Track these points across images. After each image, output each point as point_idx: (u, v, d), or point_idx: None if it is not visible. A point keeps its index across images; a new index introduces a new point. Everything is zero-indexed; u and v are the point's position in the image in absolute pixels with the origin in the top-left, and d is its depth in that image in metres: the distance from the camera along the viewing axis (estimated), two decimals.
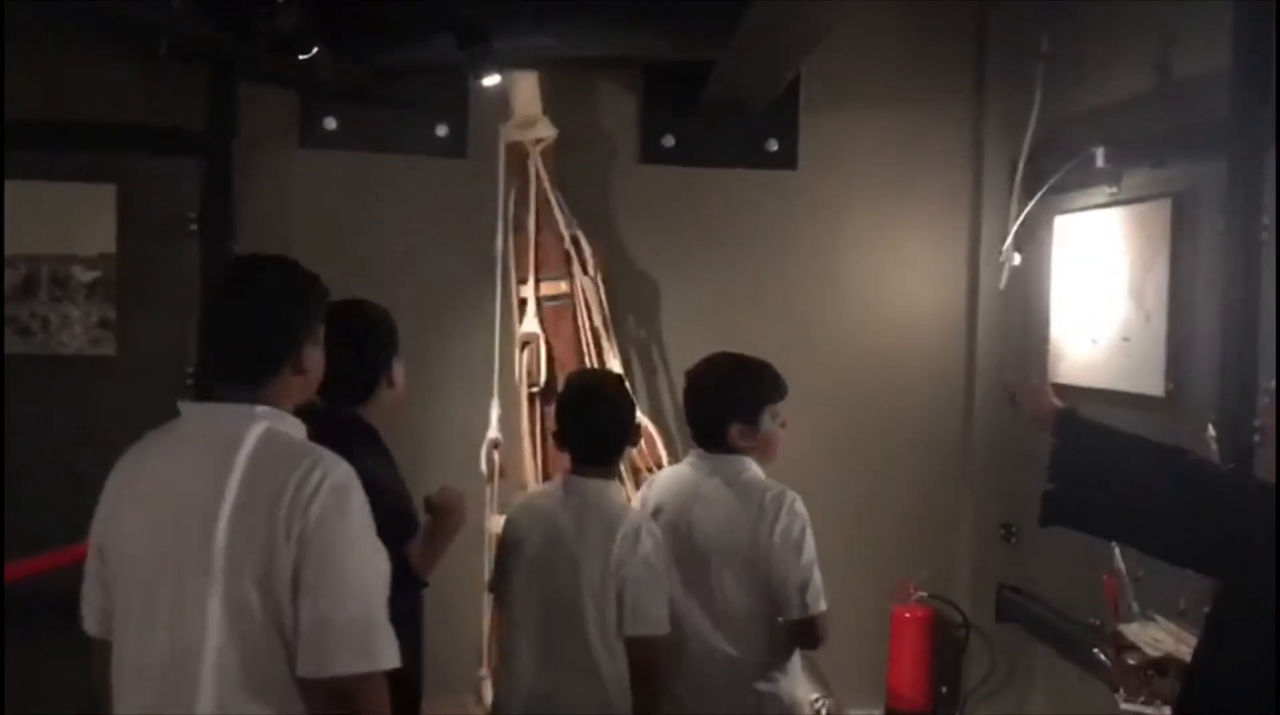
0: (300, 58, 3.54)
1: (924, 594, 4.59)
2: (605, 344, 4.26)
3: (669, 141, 4.64)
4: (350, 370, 2.59)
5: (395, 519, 2.54)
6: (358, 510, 1.86)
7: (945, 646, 4.64)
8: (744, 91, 4.31)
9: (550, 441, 3.61)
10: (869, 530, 4.65)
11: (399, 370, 2.67)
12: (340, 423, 2.56)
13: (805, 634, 2.80)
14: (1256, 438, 3.08)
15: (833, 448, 4.59)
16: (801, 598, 2.75)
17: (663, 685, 2.73)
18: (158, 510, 1.90)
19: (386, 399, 2.66)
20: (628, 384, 4.16)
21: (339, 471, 1.87)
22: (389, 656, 1.84)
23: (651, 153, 4.64)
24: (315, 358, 2.03)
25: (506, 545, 2.84)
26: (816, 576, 2.78)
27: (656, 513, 2.91)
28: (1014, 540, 4.59)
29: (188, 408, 1.99)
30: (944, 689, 4.61)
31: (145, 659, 1.89)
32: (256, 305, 1.97)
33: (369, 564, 1.86)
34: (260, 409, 1.93)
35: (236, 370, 1.96)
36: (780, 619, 2.77)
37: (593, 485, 2.77)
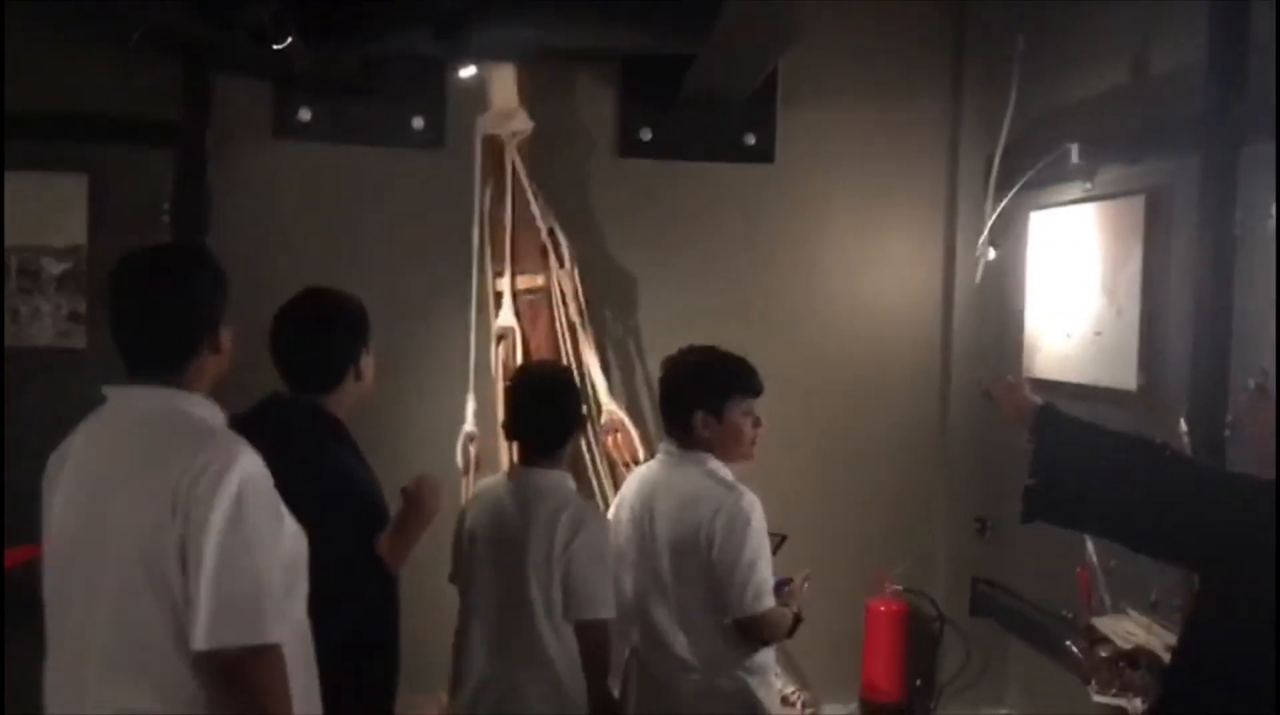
0: (275, 48, 3.51)
1: (899, 587, 4.61)
2: (582, 338, 4.25)
3: (647, 135, 4.63)
4: (316, 359, 2.57)
5: (366, 510, 2.54)
6: (251, 486, 1.87)
7: (920, 640, 4.66)
8: (722, 85, 4.31)
9: None
10: (845, 524, 4.67)
11: (368, 363, 2.63)
12: (304, 412, 2.54)
13: (749, 633, 2.81)
14: (1228, 432, 3.12)
15: (809, 441, 4.60)
16: (742, 596, 2.75)
17: (610, 667, 2.78)
18: (73, 494, 1.94)
19: (354, 391, 2.61)
20: (600, 373, 4.21)
21: (233, 449, 1.89)
22: (275, 632, 1.86)
23: (629, 146, 4.63)
24: (228, 335, 2.07)
25: (460, 536, 2.90)
26: (759, 576, 2.78)
27: (628, 507, 2.93)
28: (988, 534, 4.62)
29: (111, 392, 2.01)
30: (918, 682, 4.64)
31: (62, 638, 1.93)
32: (172, 294, 1.99)
33: (260, 539, 1.87)
34: (177, 393, 1.97)
35: (156, 356, 1.99)
36: (726, 618, 2.79)
37: (538, 474, 2.83)
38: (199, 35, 3.94)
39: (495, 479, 3.00)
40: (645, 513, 2.88)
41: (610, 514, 3.04)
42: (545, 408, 2.86)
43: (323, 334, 2.58)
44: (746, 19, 3.51)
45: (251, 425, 2.08)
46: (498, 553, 2.78)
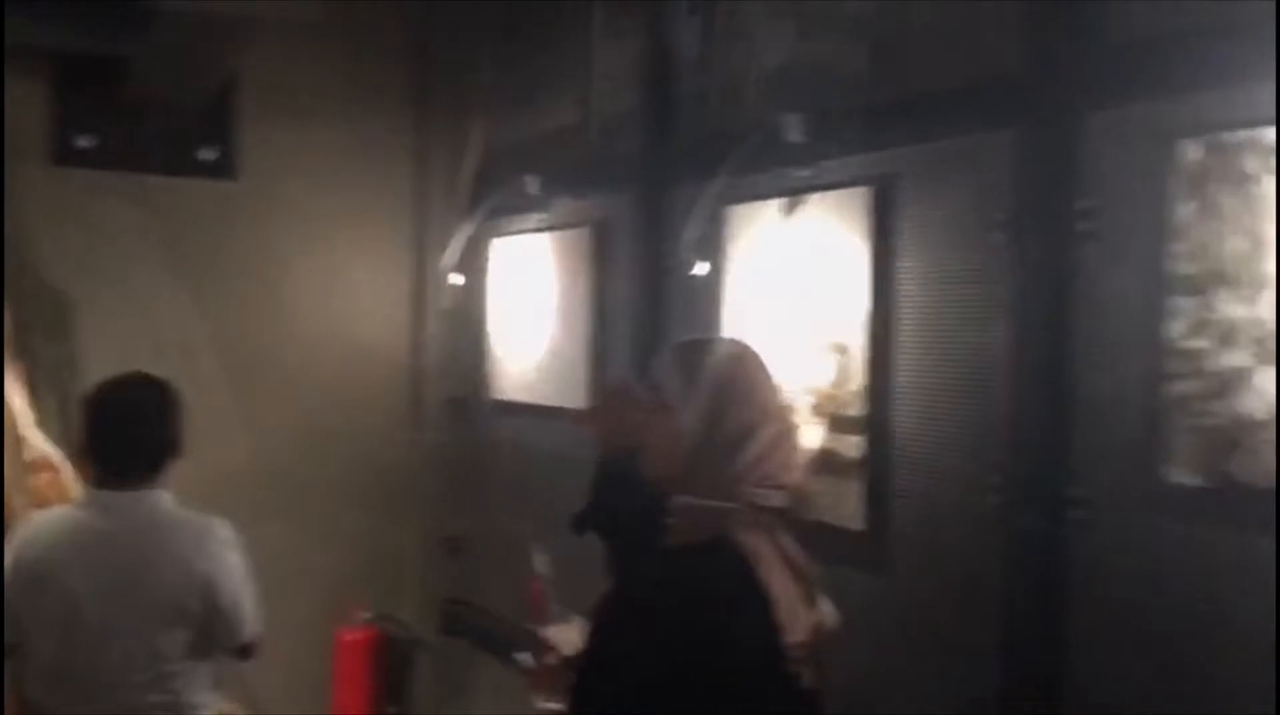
0: None
1: (369, 615, 4.55)
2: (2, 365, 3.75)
3: (87, 142, 4.23)
4: None
5: None
6: None
7: (393, 665, 4.62)
8: (168, 92, 4.03)
9: None
10: (313, 554, 4.53)
11: None
12: None
13: (251, 653, 2.83)
14: None
15: (274, 472, 4.43)
16: (245, 621, 2.75)
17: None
18: None
19: None
20: (25, 406, 3.74)
21: None
22: None
23: (66, 154, 4.21)
24: None
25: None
26: (253, 599, 2.79)
27: (38, 562, 2.65)
28: (458, 554, 4.69)
29: None
30: (393, 709, 4.59)
31: None
32: None
33: None
34: None
35: None
36: (225, 645, 2.75)
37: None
38: None
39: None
40: (96, 567, 2.62)
41: (9, 567, 2.70)
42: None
43: None
44: (187, 20, 3.29)
45: None
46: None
